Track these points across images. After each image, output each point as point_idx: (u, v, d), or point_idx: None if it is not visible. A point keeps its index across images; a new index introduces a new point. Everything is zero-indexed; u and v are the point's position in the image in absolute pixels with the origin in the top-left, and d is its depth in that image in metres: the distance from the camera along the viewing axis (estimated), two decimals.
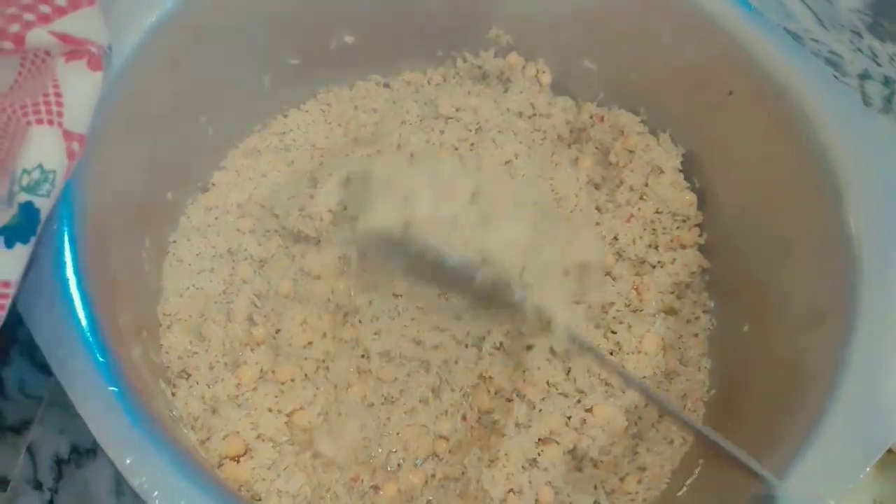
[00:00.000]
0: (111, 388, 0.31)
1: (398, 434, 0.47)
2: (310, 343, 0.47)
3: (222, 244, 0.50)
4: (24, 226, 0.30)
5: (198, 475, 0.32)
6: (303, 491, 0.43)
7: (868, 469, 0.33)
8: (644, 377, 0.48)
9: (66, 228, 0.34)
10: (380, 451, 0.47)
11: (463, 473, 0.46)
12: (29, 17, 0.29)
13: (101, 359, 0.32)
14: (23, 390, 0.49)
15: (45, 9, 0.30)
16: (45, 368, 0.49)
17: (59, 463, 0.47)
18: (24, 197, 0.30)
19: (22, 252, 0.31)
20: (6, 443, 0.47)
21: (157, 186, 0.46)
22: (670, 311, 0.52)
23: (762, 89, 0.46)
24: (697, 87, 0.50)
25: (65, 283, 0.33)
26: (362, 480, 0.46)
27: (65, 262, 0.33)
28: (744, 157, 0.49)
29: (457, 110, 0.56)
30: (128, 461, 0.30)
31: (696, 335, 0.52)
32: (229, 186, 0.52)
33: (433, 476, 0.47)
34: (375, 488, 0.46)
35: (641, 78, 0.53)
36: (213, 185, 0.52)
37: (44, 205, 0.30)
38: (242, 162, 0.54)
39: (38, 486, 0.46)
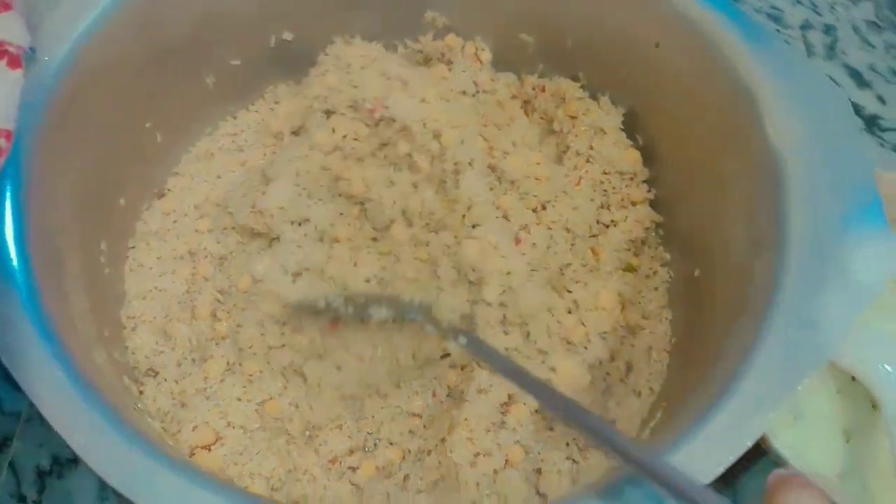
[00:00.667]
0: (60, 372, 0.32)
1: (373, 417, 0.48)
2: (271, 346, 0.48)
3: (182, 246, 0.51)
4: None
5: (156, 450, 0.32)
6: (276, 473, 0.44)
7: (804, 382, 0.34)
8: (605, 332, 0.49)
9: (7, 231, 0.35)
10: (357, 433, 0.48)
11: (436, 445, 0.47)
12: None
13: (49, 348, 0.33)
14: (0, 408, 0.49)
15: None
16: None
17: (42, 475, 0.48)
18: None
19: None
20: None
21: (106, 192, 0.47)
22: (629, 269, 0.53)
23: (685, 39, 0.47)
24: (626, 44, 0.51)
25: (11, 281, 0.34)
26: (340, 462, 0.47)
27: (10, 259, 0.34)
28: (679, 108, 0.50)
29: None
30: (82, 440, 0.31)
31: (657, 289, 0.53)
32: (185, 191, 0.53)
33: (409, 451, 0.48)
34: (353, 469, 0.47)
35: (576, 44, 0.55)
36: (169, 190, 0.53)
37: None
38: (196, 166, 0.55)
39: (22, 499, 0.47)
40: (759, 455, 0.44)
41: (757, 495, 0.49)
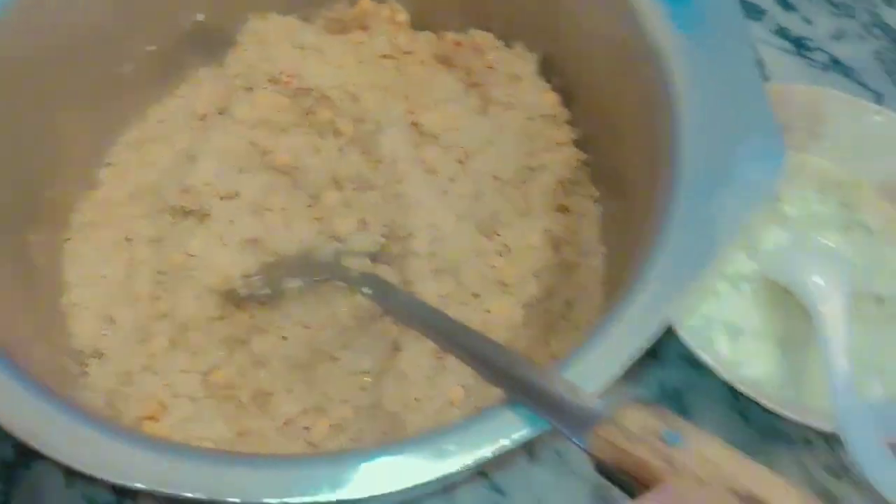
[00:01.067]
0: None
1: (325, 379, 0.49)
2: (212, 317, 0.49)
3: (118, 234, 0.52)
4: None
5: (100, 422, 0.34)
6: (225, 437, 0.45)
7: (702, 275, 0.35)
8: (537, 270, 0.50)
9: None
10: (309, 395, 0.49)
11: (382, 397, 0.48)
12: None
13: None
14: None
15: None
16: None
17: (8, 467, 0.49)
18: None
19: None
20: None
21: (30, 186, 0.48)
22: (562, 209, 0.54)
23: None
24: None
25: None
26: (293, 424, 0.48)
27: None
28: (586, 48, 0.51)
29: None
30: (21, 423, 0.33)
31: (590, 226, 0.54)
32: (117, 180, 0.54)
33: (361, 407, 0.49)
34: (307, 428, 0.48)
35: None
36: (101, 181, 0.54)
37: None
38: (126, 155, 0.55)
39: None
40: None
41: None
